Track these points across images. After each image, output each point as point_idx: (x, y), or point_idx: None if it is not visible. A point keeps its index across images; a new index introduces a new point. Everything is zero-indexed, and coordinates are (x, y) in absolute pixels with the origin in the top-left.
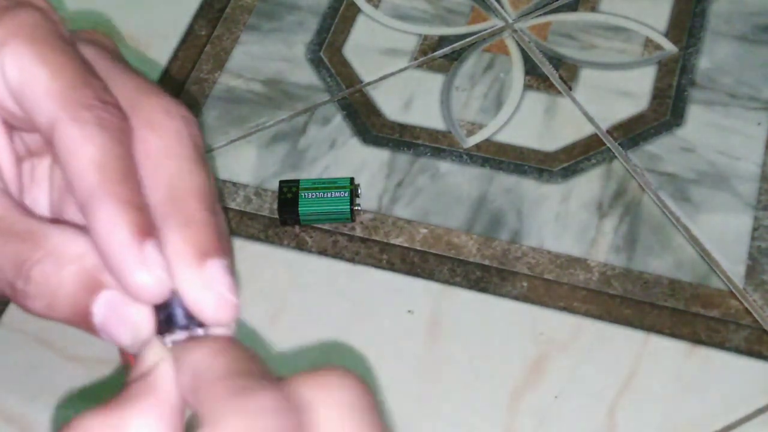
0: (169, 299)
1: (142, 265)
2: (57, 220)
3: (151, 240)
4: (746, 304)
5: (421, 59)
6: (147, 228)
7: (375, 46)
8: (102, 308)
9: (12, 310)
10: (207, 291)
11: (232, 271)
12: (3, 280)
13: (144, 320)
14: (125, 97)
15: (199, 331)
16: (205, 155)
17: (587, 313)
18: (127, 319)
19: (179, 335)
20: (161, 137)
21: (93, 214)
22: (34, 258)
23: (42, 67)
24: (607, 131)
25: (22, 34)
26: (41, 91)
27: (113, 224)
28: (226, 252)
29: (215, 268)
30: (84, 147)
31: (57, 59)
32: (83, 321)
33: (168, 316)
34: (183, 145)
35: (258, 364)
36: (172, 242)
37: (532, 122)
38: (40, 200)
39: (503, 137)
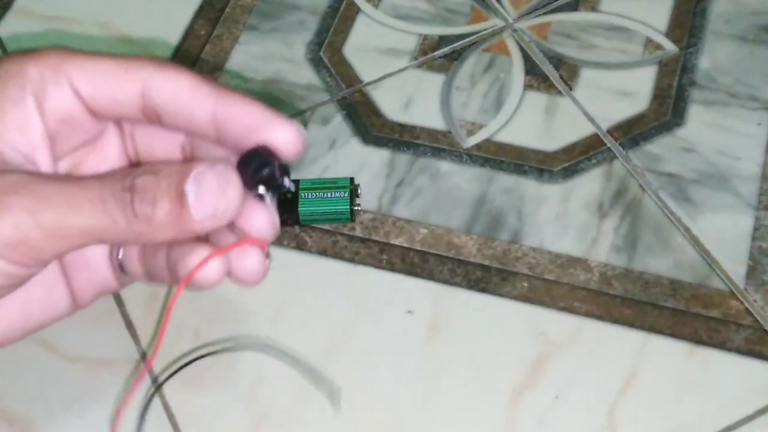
0: (250, 154)
1: (288, 121)
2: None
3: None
4: (747, 305)
5: (421, 59)
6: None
7: (375, 46)
8: (192, 184)
9: None
10: (295, 128)
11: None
12: (119, 224)
13: (232, 177)
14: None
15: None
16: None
17: (587, 313)
18: (215, 183)
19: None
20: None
21: (262, 118)
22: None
23: (195, 76)
24: (608, 131)
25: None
26: (201, 92)
27: (267, 111)
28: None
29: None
30: (252, 101)
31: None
32: (181, 210)
33: (258, 166)
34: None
35: None
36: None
37: (532, 122)
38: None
39: (503, 137)
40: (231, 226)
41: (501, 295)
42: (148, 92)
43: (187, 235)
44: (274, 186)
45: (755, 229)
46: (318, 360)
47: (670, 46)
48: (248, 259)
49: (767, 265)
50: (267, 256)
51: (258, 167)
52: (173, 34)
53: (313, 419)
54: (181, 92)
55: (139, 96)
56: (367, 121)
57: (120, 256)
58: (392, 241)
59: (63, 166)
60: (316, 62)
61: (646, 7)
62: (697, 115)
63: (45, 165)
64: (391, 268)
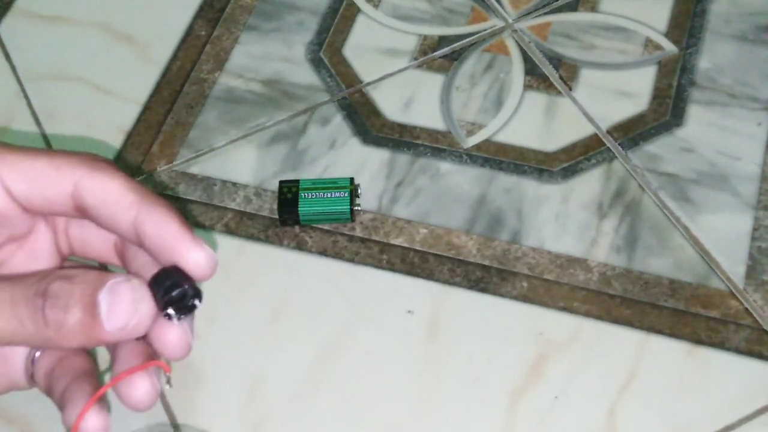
0: (163, 273)
1: (199, 245)
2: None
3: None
4: (746, 305)
5: (421, 59)
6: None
7: (375, 46)
8: (106, 294)
9: None
10: (206, 254)
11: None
12: (31, 331)
13: (145, 294)
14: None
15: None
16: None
17: (587, 314)
18: (128, 297)
19: (176, 306)
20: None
21: (173, 237)
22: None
23: (124, 183)
24: (607, 131)
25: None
26: (126, 199)
27: (184, 232)
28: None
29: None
30: (170, 217)
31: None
32: (94, 322)
33: (169, 287)
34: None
35: None
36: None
37: (532, 122)
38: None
39: (503, 137)
40: (143, 336)
41: (501, 295)
42: (78, 192)
43: (95, 344)
44: (183, 307)
45: (755, 229)
46: (318, 360)
47: (669, 47)
48: (135, 388)
49: (767, 265)
50: (168, 381)
51: (169, 288)
52: (173, 34)
53: (313, 419)
54: (107, 198)
55: (69, 195)
56: (367, 121)
57: (33, 362)
58: (392, 241)
59: None
60: (316, 62)
61: (646, 7)
62: (696, 116)
63: None
64: (391, 268)
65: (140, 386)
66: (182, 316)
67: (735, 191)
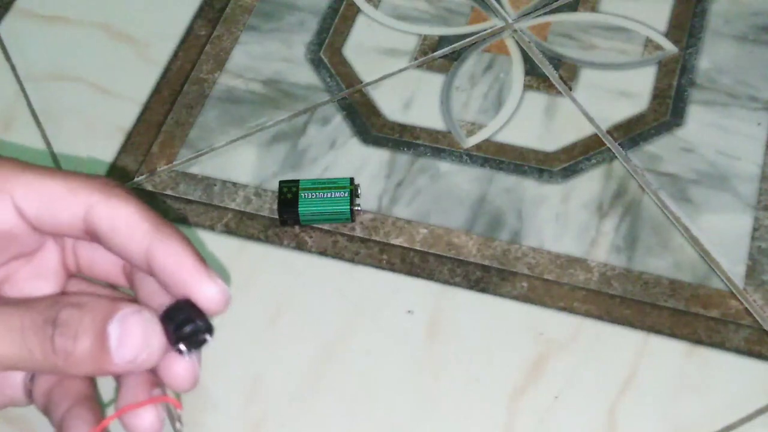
0: (175, 307)
1: (212, 280)
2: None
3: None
4: (746, 305)
5: (421, 59)
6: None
7: (375, 46)
8: (117, 325)
9: None
10: (219, 289)
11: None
12: (40, 358)
13: (157, 328)
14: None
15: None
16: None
17: (587, 313)
18: (139, 330)
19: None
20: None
21: (185, 267)
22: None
23: (137, 212)
24: (607, 131)
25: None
26: (139, 229)
27: (197, 266)
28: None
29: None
30: (184, 250)
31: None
32: (104, 354)
33: (181, 322)
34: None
35: None
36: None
37: (532, 122)
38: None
39: (503, 137)
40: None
41: (501, 295)
42: (90, 217)
43: (103, 374)
44: (195, 343)
45: (755, 229)
46: (318, 360)
47: (669, 47)
48: (141, 419)
49: (767, 265)
50: (179, 419)
51: (181, 323)
52: (173, 34)
53: (313, 419)
54: (120, 225)
55: (81, 219)
56: (367, 121)
57: (32, 379)
58: (392, 241)
59: None
60: (316, 62)
61: (646, 7)
62: (696, 116)
63: None
64: (391, 268)
65: (146, 417)
66: (196, 350)
67: (735, 191)
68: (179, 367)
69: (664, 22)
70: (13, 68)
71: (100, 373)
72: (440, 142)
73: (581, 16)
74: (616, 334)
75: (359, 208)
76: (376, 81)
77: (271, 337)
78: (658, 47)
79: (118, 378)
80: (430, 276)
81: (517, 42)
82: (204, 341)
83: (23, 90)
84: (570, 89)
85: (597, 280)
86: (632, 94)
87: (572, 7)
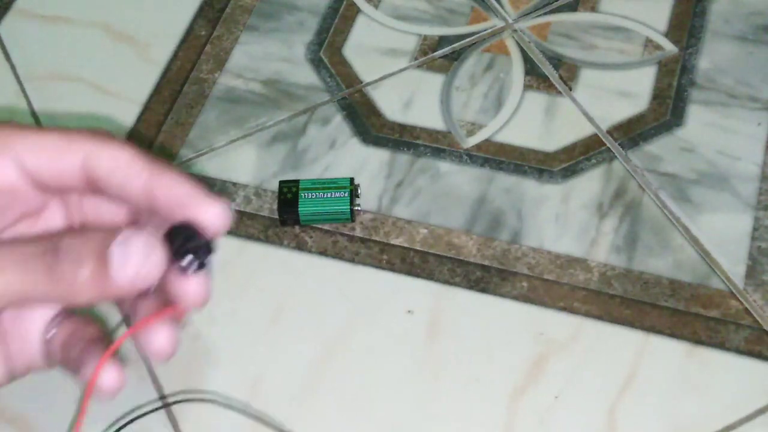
0: (176, 228)
1: (212, 199)
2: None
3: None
4: (746, 305)
5: (421, 59)
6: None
7: (375, 46)
8: (119, 246)
9: None
10: (220, 207)
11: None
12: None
13: (157, 244)
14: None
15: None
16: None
17: (587, 314)
18: (140, 248)
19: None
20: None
21: (190, 195)
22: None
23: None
24: (607, 131)
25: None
26: (136, 166)
27: (196, 189)
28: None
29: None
30: (182, 178)
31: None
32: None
33: (183, 239)
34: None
35: None
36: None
37: (532, 122)
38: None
39: (503, 137)
40: (160, 293)
41: (501, 295)
42: (88, 164)
43: (108, 298)
44: (197, 258)
45: (754, 229)
46: (318, 360)
47: (669, 47)
48: (156, 335)
49: (766, 265)
50: (182, 326)
51: (184, 240)
52: (173, 34)
53: (313, 419)
54: (117, 166)
55: (80, 168)
56: (367, 121)
57: (48, 337)
58: (392, 242)
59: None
60: (316, 62)
61: (646, 7)
62: (696, 116)
63: None
64: (391, 268)
65: (161, 332)
66: (197, 268)
67: (735, 191)
68: (189, 284)
69: (664, 22)
70: (13, 68)
71: (106, 296)
72: (440, 142)
73: (581, 16)
74: (616, 334)
75: (359, 208)
76: (376, 81)
77: (272, 337)
78: (658, 47)
79: (131, 312)
80: (430, 276)
81: (517, 42)
82: (206, 258)
83: (23, 90)
84: (570, 89)
85: (597, 280)
86: (632, 94)
87: (572, 7)
